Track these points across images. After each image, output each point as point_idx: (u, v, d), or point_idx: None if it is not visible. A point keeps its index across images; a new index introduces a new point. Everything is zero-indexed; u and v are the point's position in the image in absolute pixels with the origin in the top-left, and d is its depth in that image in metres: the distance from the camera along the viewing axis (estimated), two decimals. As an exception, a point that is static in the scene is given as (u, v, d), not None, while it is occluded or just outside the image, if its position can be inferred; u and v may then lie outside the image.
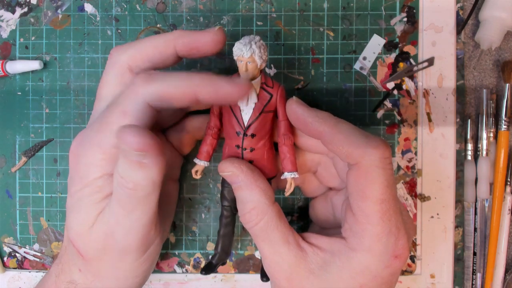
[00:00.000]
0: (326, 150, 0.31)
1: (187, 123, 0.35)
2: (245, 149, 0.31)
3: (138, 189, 0.27)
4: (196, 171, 0.33)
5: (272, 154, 0.32)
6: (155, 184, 0.28)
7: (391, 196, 0.27)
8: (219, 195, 0.39)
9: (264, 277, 0.32)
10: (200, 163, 0.32)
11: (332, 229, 0.33)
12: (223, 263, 0.34)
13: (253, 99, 0.29)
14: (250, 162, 0.31)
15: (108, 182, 0.29)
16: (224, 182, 0.32)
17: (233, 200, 0.32)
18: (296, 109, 0.29)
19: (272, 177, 0.32)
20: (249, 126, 0.30)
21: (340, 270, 0.27)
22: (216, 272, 0.35)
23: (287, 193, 0.32)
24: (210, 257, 0.34)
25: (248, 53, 0.29)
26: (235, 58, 0.30)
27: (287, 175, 0.31)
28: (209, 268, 0.33)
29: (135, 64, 0.30)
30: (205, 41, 0.29)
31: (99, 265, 0.30)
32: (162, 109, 0.29)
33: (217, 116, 0.32)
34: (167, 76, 0.28)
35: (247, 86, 0.28)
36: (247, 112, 0.30)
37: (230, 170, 0.30)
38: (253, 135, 0.30)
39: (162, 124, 0.35)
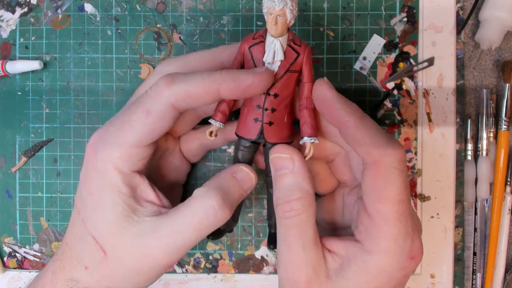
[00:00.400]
0: (343, 142, 0.30)
1: (199, 133, 0.35)
2: (267, 109, 0.29)
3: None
4: (211, 132, 0.31)
5: (292, 118, 0.31)
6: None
7: (407, 198, 0.27)
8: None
9: (272, 244, 0.32)
10: (216, 124, 0.30)
11: (339, 230, 0.33)
12: (230, 230, 0.34)
13: (280, 56, 0.28)
14: (270, 124, 0.29)
15: (125, 181, 0.29)
16: (239, 143, 0.31)
17: (248, 163, 0.31)
18: (326, 92, 0.28)
19: (288, 143, 0.31)
20: (273, 84, 0.28)
21: (357, 274, 0.27)
22: (222, 236, 0.34)
23: (306, 158, 0.30)
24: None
25: (280, 5, 0.27)
26: (264, 11, 0.28)
27: (306, 140, 0.30)
28: (217, 234, 0.33)
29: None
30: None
31: (118, 266, 0.29)
32: (186, 109, 0.29)
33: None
34: (190, 76, 0.28)
35: (269, 73, 0.27)
36: (272, 69, 0.28)
37: (289, 153, 0.29)
38: (276, 95, 0.29)
39: (178, 132, 0.35)
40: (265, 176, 0.33)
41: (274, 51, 0.28)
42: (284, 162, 0.29)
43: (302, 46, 0.29)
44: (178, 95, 0.27)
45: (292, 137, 0.31)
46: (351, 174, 0.32)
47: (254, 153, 0.32)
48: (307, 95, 0.29)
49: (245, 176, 0.30)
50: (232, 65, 0.30)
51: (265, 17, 0.28)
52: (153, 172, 0.34)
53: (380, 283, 0.27)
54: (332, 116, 0.28)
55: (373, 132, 0.27)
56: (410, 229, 0.27)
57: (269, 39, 0.28)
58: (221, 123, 0.30)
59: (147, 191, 0.30)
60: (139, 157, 0.29)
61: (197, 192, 0.29)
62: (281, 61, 0.28)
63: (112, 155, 0.28)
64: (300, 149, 0.30)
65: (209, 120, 0.31)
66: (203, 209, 0.28)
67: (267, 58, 0.28)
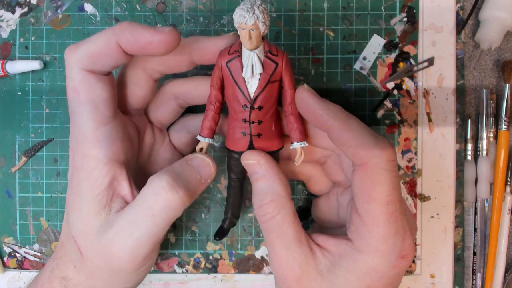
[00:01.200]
0: (333, 146, 0.30)
1: (187, 122, 0.35)
2: (253, 122, 0.29)
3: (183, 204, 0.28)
4: (201, 149, 0.31)
5: (279, 125, 0.31)
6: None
7: (397, 198, 0.27)
8: (219, 195, 0.39)
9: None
10: (205, 140, 0.31)
11: (335, 229, 0.33)
12: (234, 225, 0.34)
13: (258, 69, 0.28)
14: (259, 135, 0.30)
15: (102, 173, 0.28)
16: (230, 155, 0.31)
17: (241, 172, 0.31)
18: (307, 99, 0.28)
19: (279, 149, 0.31)
20: (256, 98, 0.28)
21: (347, 272, 0.27)
22: (225, 235, 0.34)
23: (297, 163, 0.31)
24: (221, 221, 0.34)
25: (251, 20, 0.26)
26: (236, 25, 0.27)
27: (296, 145, 0.30)
28: (221, 233, 0.33)
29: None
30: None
31: (93, 267, 0.29)
32: (106, 71, 0.29)
33: (218, 89, 0.30)
34: (90, 37, 0.28)
35: (173, 35, 0.27)
36: (252, 83, 0.28)
37: (256, 159, 0.29)
38: (260, 107, 0.29)
39: (162, 122, 0.35)
40: None
41: (252, 64, 0.27)
42: (254, 167, 0.29)
43: (279, 55, 0.28)
44: (84, 59, 0.27)
45: (281, 143, 0.31)
46: (344, 174, 0.32)
47: None
48: (290, 101, 0.30)
49: (200, 162, 0.30)
50: (211, 81, 0.30)
51: (238, 31, 0.28)
52: (145, 169, 0.34)
53: (370, 281, 0.27)
54: (317, 121, 0.28)
55: (359, 134, 0.27)
56: (400, 228, 0.27)
57: (245, 53, 0.28)
58: (209, 139, 0.31)
59: (123, 185, 0.29)
60: (109, 139, 0.28)
61: (149, 179, 0.29)
62: (261, 73, 0.28)
63: (84, 146, 0.28)
64: (292, 153, 0.31)
65: (197, 137, 0.31)
66: (153, 191, 0.28)
67: (246, 73, 0.28)
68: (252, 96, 0.28)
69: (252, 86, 0.28)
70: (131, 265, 0.29)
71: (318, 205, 0.35)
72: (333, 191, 0.34)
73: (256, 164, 0.29)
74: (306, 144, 0.30)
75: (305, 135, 0.30)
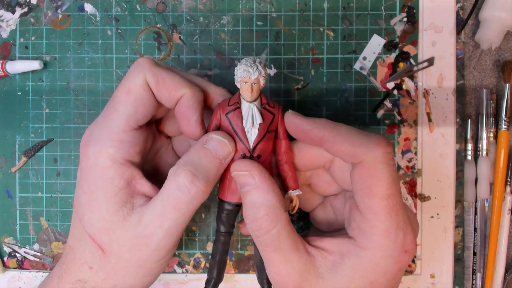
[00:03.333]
0: (319, 163, 0.31)
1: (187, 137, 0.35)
2: None
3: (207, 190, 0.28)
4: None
5: (273, 173, 0.31)
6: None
7: (396, 191, 0.27)
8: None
9: (267, 284, 0.32)
10: None
11: (337, 231, 0.33)
12: (217, 286, 0.33)
13: (259, 120, 0.29)
14: None
15: (119, 172, 0.29)
16: (222, 206, 0.31)
17: (232, 225, 0.31)
18: (294, 120, 0.30)
19: None
20: (255, 147, 0.29)
21: (351, 270, 0.27)
22: None
23: (293, 211, 0.31)
24: (205, 281, 0.32)
25: (255, 74, 0.28)
26: (238, 80, 0.29)
27: (292, 193, 0.31)
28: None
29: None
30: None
31: (119, 262, 0.29)
32: (159, 98, 0.30)
33: None
34: (170, 67, 0.30)
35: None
36: (252, 133, 0.29)
37: (248, 170, 0.29)
38: (259, 156, 0.30)
39: (168, 132, 0.35)
40: None
41: (252, 115, 0.29)
42: (245, 179, 0.29)
43: (275, 107, 0.30)
44: (153, 77, 0.29)
45: None
46: (334, 186, 0.33)
47: (237, 213, 0.32)
48: (285, 150, 0.31)
49: (217, 144, 0.29)
50: (208, 130, 0.31)
51: (238, 85, 0.29)
52: (150, 169, 0.34)
53: (374, 277, 0.27)
54: (309, 137, 0.29)
55: (350, 135, 0.28)
56: (402, 223, 0.27)
57: (244, 105, 0.29)
58: None
59: (142, 183, 0.30)
60: (130, 143, 0.29)
61: (169, 172, 0.29)
62: (260, 124, 0.29)
63: (104, 144, 0.29)
64: (287, 200, 0.31)
65: None
66: (176, 187, 0.28)
67: (247, 123, 0.29)
68: (251, 145, 0.29)
69: (252, 136, 0.29)
70: (159, 253, 0.29)
71: (316, 216, 0.35)
72: (325, 200, 0.34)
73: (248, 175, 0.28)
74: (301, 192, 0.31)
75: (298, 183, 0.31)
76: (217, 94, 0.32)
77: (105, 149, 0.29)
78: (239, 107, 0.29)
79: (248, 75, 0.29)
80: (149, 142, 0.32)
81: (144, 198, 0.30)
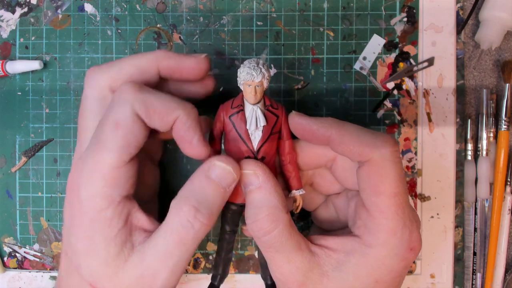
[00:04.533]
0: (321, 162, 0.31)
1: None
2: None
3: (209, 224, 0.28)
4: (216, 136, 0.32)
5: (276, 174, 0.31)
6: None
7: (403, 190, 0.27)
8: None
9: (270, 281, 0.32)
10: None
11: (339, 230, 0.33)
12: (222, 281, 0.33)
13: (262, 122, 0.29)
14: None
15: (117, 211, 0.27)
16: (227, 206, 0.31)
17: (237, 224, 0.31)
18: (299, 121, 0.29)
19: None
20: (259, 149, 0.29)
21: (356, 268, 0.27)
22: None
23: (297, 211, 0.32)
24: (211, 277, 0.33)
25: (259, 77, 0.28)
26: (241, 82, 0.29)
27: (295, 193, 0.31)
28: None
29: (116, 85, 0.28)
30: (189, 66, 0.30)
31: None
32: (149, 128, 0.28)
33: (218, 142, 0.31)
34: (157, 91, 0.28)
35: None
36: (256, 135, 0.29)
37: (252, 169, 0.28)
38: (263, 158, 0.30)
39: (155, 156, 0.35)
40: None
41: (256, 118, 0.29)
42: (249, 178, 0.28)
43: (279, 108, 0.30)
44: (142, 104, 0.27)
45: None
46: (336, 185, 0.33)
47: (241, 213, 0.32)
48: (288, 151, 0.31)
49: (221, 172, 0.28)
50: (211, 135, 0.31)
51: (241, 87, 0.29)
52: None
53: (380, 275, 0.27)
54: (315, 137, 0.29)
55: (357, 134, 0.28)
56: (407, 221, 0.27)
57: (248, 107, 0.29)
58: None
59: (138, 216, 0.28)
60: (125, 178, 0.27)
61: (171, 204, 0.28)
62: (264, 126, 0.29)
63: (97, 185, 0.27)
64: (290, 200, 0.31)
65: None
66: (179, 223, 0.27)
67: (251, 125, 0.29)
68: (255, 147, 0.29)
69: (256, 138, 0.29)
70: (171, 282, 0.28)
71: (317, 216, 0.35)
72: (327, 199, 0.34)
73: (252, 174, 0.28)
74: (304, 192, 0.31)
75: (301, 183, 0.31)
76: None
77: (99, 190, 0.27)
78: (243, 110, 0.29)
79: (252, 78, 0.28)
80: (139, 165, 0.31)
81: (142, 233, 0.28)
